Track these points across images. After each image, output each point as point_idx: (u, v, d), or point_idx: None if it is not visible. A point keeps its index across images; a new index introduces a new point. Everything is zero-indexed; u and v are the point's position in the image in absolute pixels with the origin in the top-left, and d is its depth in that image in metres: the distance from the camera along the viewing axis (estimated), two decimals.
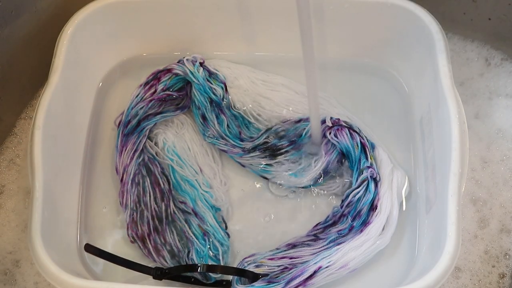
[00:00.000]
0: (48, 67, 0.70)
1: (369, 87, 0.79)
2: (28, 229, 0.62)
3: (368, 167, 0.68)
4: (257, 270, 0.64)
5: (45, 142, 0.65)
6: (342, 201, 0.69)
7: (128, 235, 0.69)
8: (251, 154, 0.73)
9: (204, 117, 0.74)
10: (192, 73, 0.73)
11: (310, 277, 0.62)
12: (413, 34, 0.73)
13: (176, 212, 0.70)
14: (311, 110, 0.68)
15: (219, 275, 0.66)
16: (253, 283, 0.63)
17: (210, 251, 0.67)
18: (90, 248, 0.63)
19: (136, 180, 0.72)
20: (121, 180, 0.72)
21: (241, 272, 0.64)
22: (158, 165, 0.73)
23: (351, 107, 0.77)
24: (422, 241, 0.68)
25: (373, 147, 0.72)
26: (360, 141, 0.70)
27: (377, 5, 0.73)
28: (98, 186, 0.74)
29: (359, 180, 0.68)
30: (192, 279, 0.66)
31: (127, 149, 0.73)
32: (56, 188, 0.66)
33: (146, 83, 0.75)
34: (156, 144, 0.74)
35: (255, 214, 0.72)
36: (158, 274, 0.64)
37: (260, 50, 0.80)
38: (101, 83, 0.79)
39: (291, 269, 0.64)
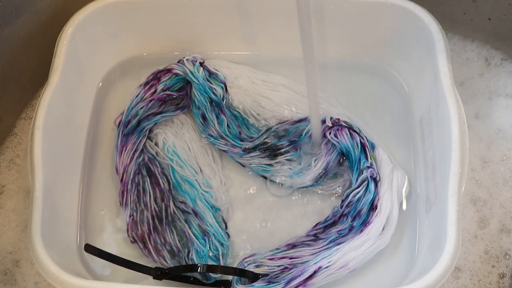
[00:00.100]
0: (48, 67, 0.70)
1: (369, 87, 0.79)
2: (28, 229, 0.62)
3: (368, 167, 0.68)
4: (257, 270, 0.64)
5: (45, 142, 0.65)
6: (342, 201, 0.69)
7: (128, 235, 0.69)
8: (251, 154, 0.73)
9: (204, 117, 0.74)
10: (192, 73, 0.73)
11: (310, 277, 0.62)
12: (413, 34, 0.73)
13: (176, 212, 0.70)
14: (311, 110, 0.68)
15: (219, 275, 0.66)
16: (253, 283, 0.63)
17: (210, 251, 0.67)
18: (90, 248, 0.63)
19: (136, 180, 0.72)
20: (121, 180, 0.72)
21: (241, 272, 0.64)
22: (158, 165, 0.73)
23: (351, 107, 0.77)
24: (422, 241, 0.68)
25: (373, 147, 0.72)
26: (360, 141, 0.70)
27: (377, 5, 0.73)
28: (98, 186, 0.74)
29: (359, 180, 0.68)
30: (191, 279, 0.66)
31: (127, 149, 0.73)
32: (56, 188, 0.66)
33: (146, 83, 0.75)
34: (156, 144, 0.74)
35: (255, 214, 0.72)
36: (158, 274, 0.64)
37: (260, 50, 0.80)
38: (101, 83, 0.79)
39: (291, 269, 0.64)
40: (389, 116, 0.77)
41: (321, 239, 0.68)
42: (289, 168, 0.72)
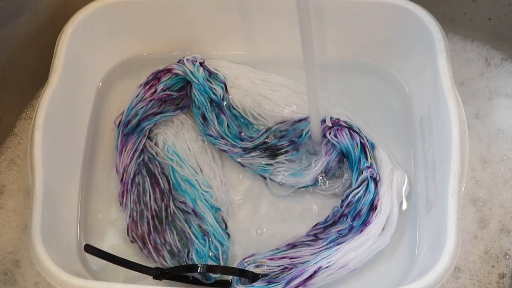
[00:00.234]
0: (48, 67, 0.70)
1: (369, 87, 0.79)
2: (28, 229, 0.62)
3: (368, 167, 0.68)
4: (257, 270, 0.64)
5: (45, 142, 0.65)
6: (342, 201, 0.69)
7: (128, 235, 0.69)
8: (251, 154, 0.73)
9: (204, 117, 0.74)
10: (192, 73, 0.73)
11: (310, 277, 0.62)
12: (413, 34, 0.73)
13: (176, 212, 0.70)
14: (311, 110, 0.68)
15: (219, 275, 0.66)
16: (253, 283, 0.63)
17: (210, 251, 0.67)
18: (89, 249, 0.63)
19: (136, 180, 0.72)
20: (121, 180, 0.72)
21: (241, 272, 0.64)
22: (158, 165, 0.73)
23: (351, 107, 0.77)
24: (422, 241, 0.68)
25: (373, 147, 0.72)
26: (360, 141, 0.70)
27: (377, 5, 0.73)
28: (98, 186, 0.74)
29: (359, 180, 0.68)
30: (191, 278, 0.66)
31: (127, 149, 0.73)
32: (56, 188, 0.66)
33: (146, 83, 0.75)
34: (156, 144, 0.74)
35: (255, 214, 0.72)
36: (158, 274, 0.64)
37: (260, 50, 0.80)
38: (101, 83, 0.79)
39: (291, 269, 0.64)
40: (389, 116, 0.77)
41: (321, 239, 0.68)
42: (289, 168, 0.72)
